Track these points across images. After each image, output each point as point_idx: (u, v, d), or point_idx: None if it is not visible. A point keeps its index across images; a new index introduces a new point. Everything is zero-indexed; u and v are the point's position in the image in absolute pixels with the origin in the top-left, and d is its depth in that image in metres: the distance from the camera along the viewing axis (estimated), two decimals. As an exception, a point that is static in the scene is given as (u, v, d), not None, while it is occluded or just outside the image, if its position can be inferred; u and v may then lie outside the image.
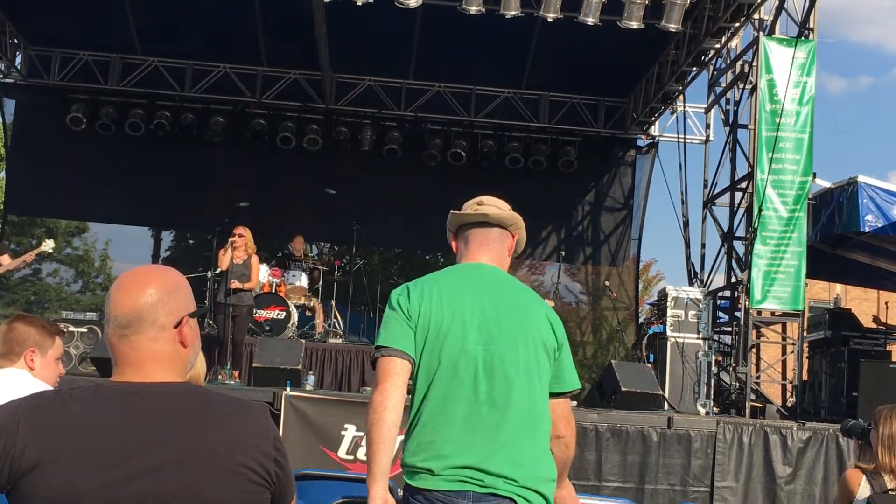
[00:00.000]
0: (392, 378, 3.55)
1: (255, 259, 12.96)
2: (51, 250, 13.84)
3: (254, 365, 11.54)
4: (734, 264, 14.24)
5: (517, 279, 3.97)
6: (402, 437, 3.71)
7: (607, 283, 16.58)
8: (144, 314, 2.49)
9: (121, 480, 2.35)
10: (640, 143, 18.32)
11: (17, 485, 2.36)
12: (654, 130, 17.92)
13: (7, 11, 16.00)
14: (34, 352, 4.04)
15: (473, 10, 12.92)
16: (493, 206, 3.99)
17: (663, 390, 12.40)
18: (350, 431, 10.23)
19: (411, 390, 3.67)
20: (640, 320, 17.44)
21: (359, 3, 12.87)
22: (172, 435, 2.40)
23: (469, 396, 3.54)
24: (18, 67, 17.17)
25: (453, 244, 4.04)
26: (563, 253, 16.34)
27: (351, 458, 10.17)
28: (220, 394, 2.59)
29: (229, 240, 12.89)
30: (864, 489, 4.86)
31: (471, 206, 4.00)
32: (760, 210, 12.56)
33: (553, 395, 3.69)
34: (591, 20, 12.98)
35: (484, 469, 3.47)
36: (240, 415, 2.51)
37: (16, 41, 16.88)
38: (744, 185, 13.99)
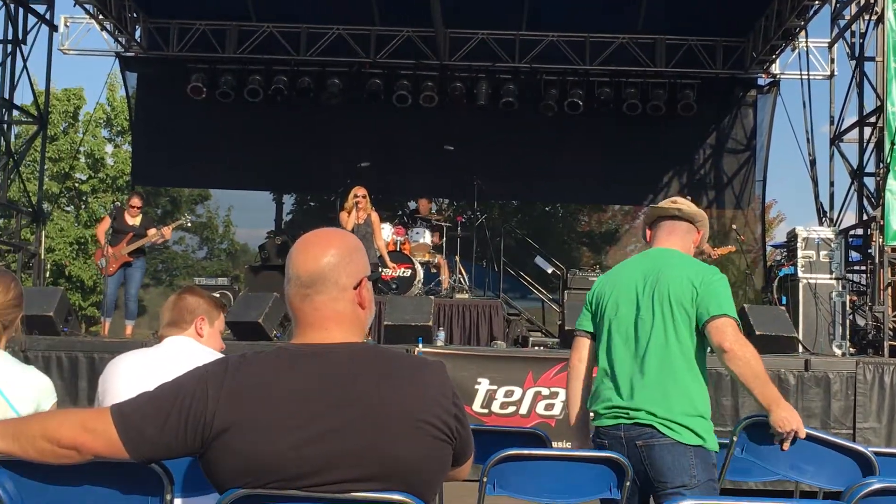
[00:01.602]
0: (574, 353, 4.63)
1: (374, 216, 13.11)
2: (189, 224, 14.23)
3: (385, 323, 11.63)
4: (865, 201, 13.87)
5: (684, 254, 4.57)
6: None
7: (734, 226, 16.27)
8: (327, 274, 2.53)
9: (309, 440, 2.40)
10: (760, 82, 17.87)
11: (209, 448, 2.42)
12: (776, 69, 17.46)
13: (125, -14, 16.34)
14: (204, 320, 4.19)
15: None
16: (686, 205, 4.67)
17: (797, 333, 12.17)
18: (483, 385, 10.27)
19: None
20: (768, 263, 17.13)
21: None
22: (357, 394, 2.44)
23: (622, 354, 4.32)
24: (139, 41, 17.50)
25: (648, 233, 4.72)
26: (687, 198, 16.08)
27: (485, 411, 10.22)
28: (400, 352, 2.63)
29: (351, 201, 13.02)
30: None
31: (667, 203, 4.71)
32: (893, 144, 12.19)
33: (704, 325, 4.18)
34: (709, -42, 12.69)
35: (629, 406, 4.20)
36: (420, 372, 2.55)
37: (135, 15, 17.20)
38: (873, 119, 13.58)
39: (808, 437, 4.19)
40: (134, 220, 13.11)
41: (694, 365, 4.23)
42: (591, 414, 4.42)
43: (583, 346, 4.57)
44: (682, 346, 4.20)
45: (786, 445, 4.12)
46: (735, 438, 4.33)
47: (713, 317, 4.14)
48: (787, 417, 4.09)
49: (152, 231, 13.14)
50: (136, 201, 13.22)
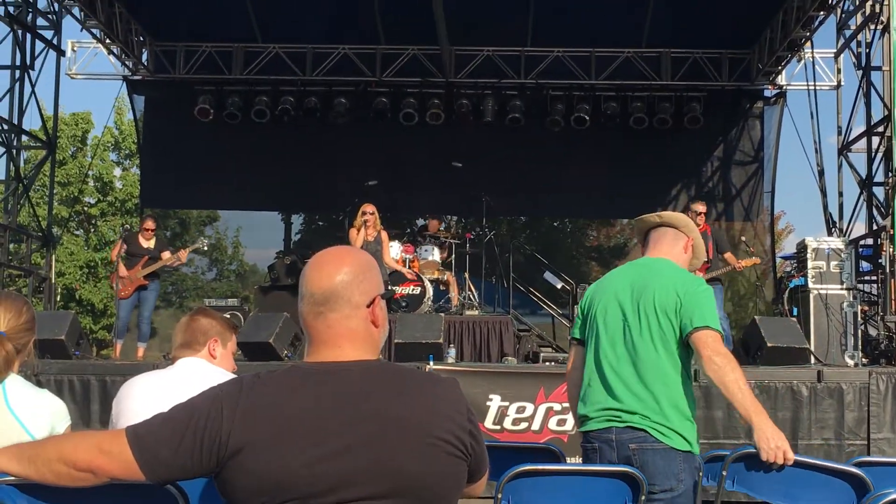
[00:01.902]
0: (570, 360, 4.84)
1: (384, 235, 13.17)
2: (205, 248, 14.29)
3: (395, 341, 11.60)
4: (874, 211, 13.84)
5: (673, 264, 4.66)
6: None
7: (744, 238, 16.21)
8: (341, 292, 2.54)
9: (323, 458, 2.39)
10: (767, 93, 17.87)
11: (224, 468, 2.42)
12: (782, 80, 17.46)
13: (131, 10, 16.41)
14: (217, 341, 4.22)
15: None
16: (667, 213, 4.86)
17: (808, 344, 12.13)
18: (495, 402, 10.22)
19: None
20: (778, 275, 17.09)
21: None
22: (369, 411, 2.44)
23: (611, 359, 4.43)
24: (145, 64, 17.58)
25: (641, 250, 4.86)
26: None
27: (497, 428, 10.18)
28: (413, 369, 2.63)
29: (360, 218, 13.04)
30: None
31: (649, 215, 4.85)
32: (902, 153, 12.18)
33: (688, 336, 4.30)
34: (713, -29, 12.70)
35: (623, 409, 4.31)
36: (433, 389, 2.55)
37: (141, 38, 17.31)
38: (881, 128, 13.57)
39: (798, 464, 4.12)
40: (148, 242, 13.18)
41: (680, 370, 4.38)
42: (580, 419, 4.53)
43: (576, 354, 4.74)
44: (669, 353, 4.35)
45: (776, 464, 4.03)
46: (724, 472, 4.24)
47: (696, 328, 4.28)
48: (769, 434, 4.02)
49: (167, 254, 13.22)
50: (149, 224, 13.31)
